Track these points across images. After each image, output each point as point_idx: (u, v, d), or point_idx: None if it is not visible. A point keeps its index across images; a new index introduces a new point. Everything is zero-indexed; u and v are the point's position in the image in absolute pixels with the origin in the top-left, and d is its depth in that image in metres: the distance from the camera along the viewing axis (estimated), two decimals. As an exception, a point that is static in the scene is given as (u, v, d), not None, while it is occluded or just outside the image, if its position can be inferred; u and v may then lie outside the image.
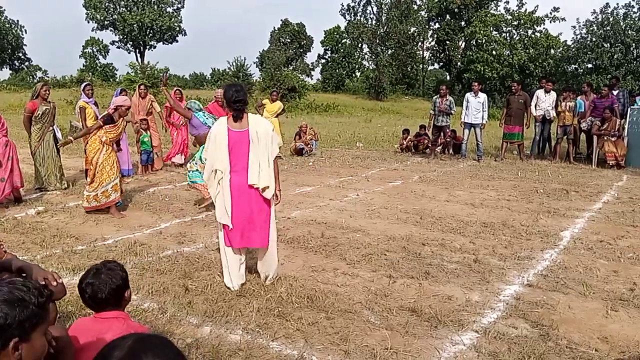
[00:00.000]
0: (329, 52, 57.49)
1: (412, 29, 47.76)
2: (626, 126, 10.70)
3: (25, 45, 60.48)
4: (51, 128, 7.80)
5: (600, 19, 37.48)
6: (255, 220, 3.90)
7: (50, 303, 2.39)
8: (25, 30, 59.45)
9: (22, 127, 8.07)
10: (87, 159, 6.35)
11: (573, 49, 39.86)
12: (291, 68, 46.77)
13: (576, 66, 39.99)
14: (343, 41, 55.69)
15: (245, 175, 3.84)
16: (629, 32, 36.10)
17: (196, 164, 6.37)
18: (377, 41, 47.15)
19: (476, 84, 12.03)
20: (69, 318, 3.28)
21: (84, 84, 9.27)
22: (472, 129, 11.74)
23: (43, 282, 2.32)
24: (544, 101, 11.52)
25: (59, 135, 8.16)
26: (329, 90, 50.22)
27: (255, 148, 3.84)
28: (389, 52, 47.38)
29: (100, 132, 6.25)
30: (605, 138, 10.68)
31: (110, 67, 64.27)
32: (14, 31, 57.80)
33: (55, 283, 2.36)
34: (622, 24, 36.39)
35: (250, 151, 3.84)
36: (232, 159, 3.84)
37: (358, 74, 55.93)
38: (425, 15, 49.98)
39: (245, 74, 38.44)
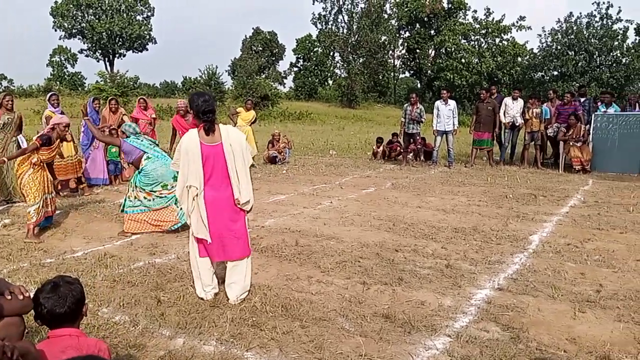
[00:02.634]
0: (301, 61, 57.64)
1: (383, 38, 48.39)
2: (591, 132, 11.02)
3: (-10, 54, 59.01)
4: (14, 138, 7.62)
5: (564, 28, 38.61)
6: (232, 233, 3.83)
7: (18, 317, 2.34)
8: (-10, 39, 58.05)
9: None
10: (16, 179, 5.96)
11: (539, 57, 40.95)
12: (263, 76, 46.76)
13: (542, 73, 41.06)
14: (315, 50, 55.93)
15: (219, 190, 3.75)
16: (592, 41, 37.28)
17: (133, 190, 6.00)
18: (349, 50, 47.56)
19: (445, 92, 12.22)
20: (37, 333, 3.20)
21: (50, 93, 9.13)
22: (444, 135, 11.92)
23: (9, 297, 2.27)
24: (512, 108, 11.79)
25: (24, 145, 7.97)
26: (302, 99, 50.34)
27: (232, 161, 3.73)
28: (361, 60, 47.84)
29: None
30: (571, 144, 10.97)
31: (79, 76, 63.12)
32: (-23, 40, 56.34)
33: (22, 297, 2.31)
34: (585, 32, 37.56)
35: (228, 166, 3.72)
36: (206, 173, 3.71)
37: (330, 82, 56.21)
38: (396, 24, 50.70)
39: (217, 82, 38.21)
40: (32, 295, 2.27)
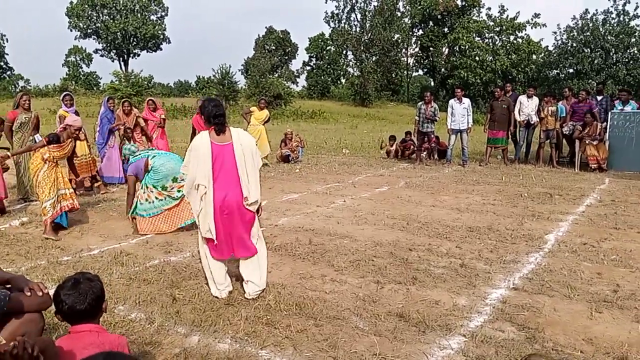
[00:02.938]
0: (314, 59, 57.65)
1: (396, 36, 48.18)
2: (607, 130, 10.88)
3: (7, 54, 59.75)
4: (31, 137, 7.74)
5: (580, 25, 38.14)
6: (239, 233, 3.86)
7: (37, 314, 2.37)
8: (7, 39, 58.81)
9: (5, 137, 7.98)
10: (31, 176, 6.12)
11: (554, 55, 40.49)
12: (276, 75, 46.84)
13: (558, 71, 40.60)
14: (328, 48, 55.89)
15: (229, 189, 3.78)
16: (608, 38, 36.77)
17: (144, 192, 6.03)
18: (362, 48, 47.42)
19: (459, 90, 12.14)
20: (55, 329, 3.25)
21: (64, 93, 9.25)
22: (459, 134, 11.86)
23: (29, 293, 2.31)
24: (526, 106, 11.68)
25: (40, 144, 8.09)
26: (315, 97, 50.33)
27: (242, 161, 3.79)
28: (374, 58, 47.67)
29: (43, 149, 5.94)
30: (587, 142, 10.85)
31: (94, 76, 63.82)
32: (-6, 40, 57.06)
33: (41, 293, 2.35)
34: (601, 29, 37.07)
35: (237, 165, 3.79)
36: (215, 172, 3.76)
37: (343, 80, 56.15)
38: (409, 22, 50.43)
39: (230, 81, 38.32)
40: (51, 292, 2.30)
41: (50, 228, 5.78)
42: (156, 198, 5.98)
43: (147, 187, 6.03)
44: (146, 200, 6.00)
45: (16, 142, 7.60)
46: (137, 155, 6.28)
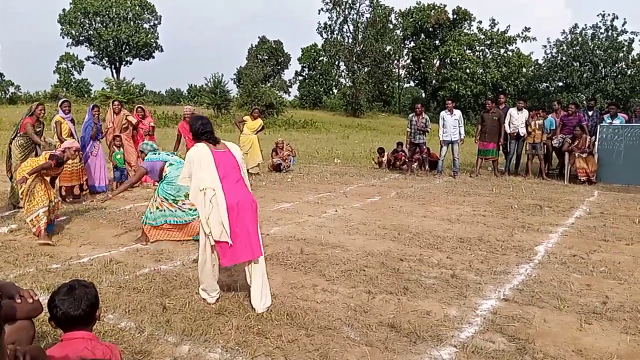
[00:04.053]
0: (306, 70, 57.93)
1: (388, 48, 48.60)
2: (596, 143, 11.01)
3: (-2, 60, 59.45)
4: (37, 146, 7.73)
5: (569, 39, 38.71)
6: (251, 230, 3.88)
7: (28, 321, 2.35)
8: (-2, 46, 58.54)
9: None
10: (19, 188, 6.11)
11: (544, 68, 41.03)
12: (269, 85, 46.92)
13: (547, 84, 41.12)
14: (320, 59, 56.20)
15: (237, 189, 3.88)
16: (597, 52, 37.37)
17: (155, 201, 5.89)
18: (354, 59, 47.74)
19: (450, 102, 12.23)
20: (43, 338, 3.22)
21: (62, 100, 9.13)
22: (450, 145, 11.93)
23: (19, 300, 2.29)
24: (516, 119, 11.80)
25: (40, 152, 8.05)
26: (307, 107, 50.53)
27: (242, 165, 4.04)
28: (366, 69, 48.00)
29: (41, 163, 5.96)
30: (577, 154, 10.96)
31: (85, 83, 63.66)
32: (-15, 46, 56.76)
33: (31, 300, 2.33)
34: (590, 44, 37.66)
35: (240, 168, 4.00)
36: (220, 175, 3.83)
37: (335, 91, 56.43)
38: (401, 34, 50.95)
39: (222, 90, 38.34)
40: (41, 299, 2.29)
41: (45, 234, 5.76)
42: (167, 208, 5.82)
43: (159, 197, 5.87)
44: (157, 208, 5.83)
45: (19, 149, 7.56)
46: (157, 155, 6.07)
